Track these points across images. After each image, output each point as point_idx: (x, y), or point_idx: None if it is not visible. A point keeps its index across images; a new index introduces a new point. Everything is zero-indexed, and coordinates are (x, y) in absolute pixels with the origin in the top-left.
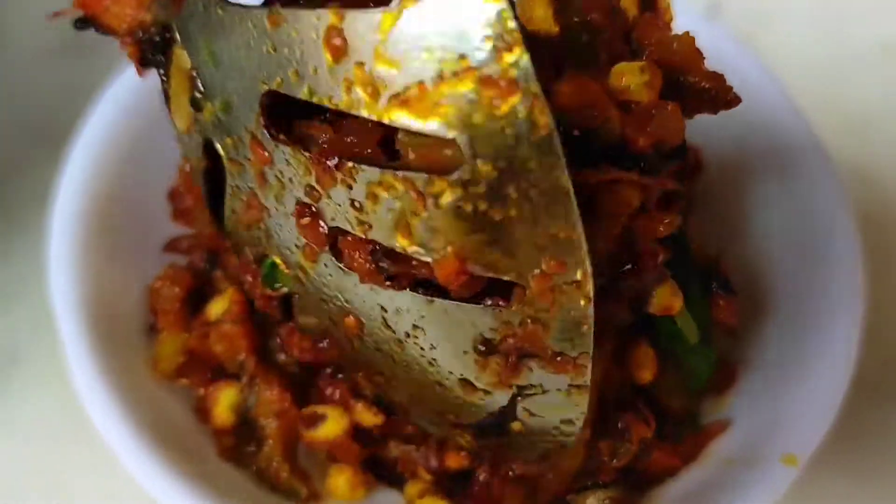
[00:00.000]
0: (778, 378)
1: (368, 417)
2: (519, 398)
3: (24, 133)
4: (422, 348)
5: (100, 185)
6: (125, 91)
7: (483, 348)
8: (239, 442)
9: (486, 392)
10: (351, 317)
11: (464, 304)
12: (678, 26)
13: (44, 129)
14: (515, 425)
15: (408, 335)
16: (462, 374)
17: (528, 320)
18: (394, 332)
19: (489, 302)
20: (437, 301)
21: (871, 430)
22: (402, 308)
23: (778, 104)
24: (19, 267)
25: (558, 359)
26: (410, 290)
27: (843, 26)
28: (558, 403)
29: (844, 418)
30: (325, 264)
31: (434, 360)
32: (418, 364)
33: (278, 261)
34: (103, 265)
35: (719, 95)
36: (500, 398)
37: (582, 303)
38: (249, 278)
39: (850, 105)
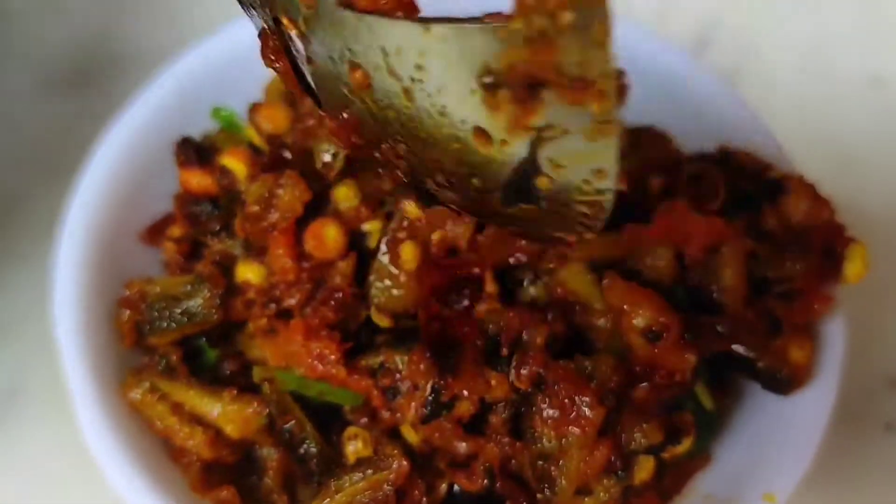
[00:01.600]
0: (759, 415)
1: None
2: (539, 145)
3: (26, 165)
4: (429, 94)
5: (105, 217)
6: (131, 124)
7: (489, 80)
8: (240, 474)
9: (504, 142)
10: (359, 70)
11: (462, 25)
12: (666, 61)
13: (46, 161)
14: (542, 182)
15: (412, 80)
16: (475, 122)
17: (534, 35)
18: (399, 78)
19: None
20: (434, 27)
21: (853, 460)
22: (402, 47)
23: (761, 142)
24: (20, 300)
25: (575, 85)
26: None
27: (831, 60)
28: (584, 149)
29: (826, 448)
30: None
31: (444, 107)
32: (430, 117)
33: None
34: (108, 299)
35: None
36: (520, 148)
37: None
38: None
39: (837, 138)
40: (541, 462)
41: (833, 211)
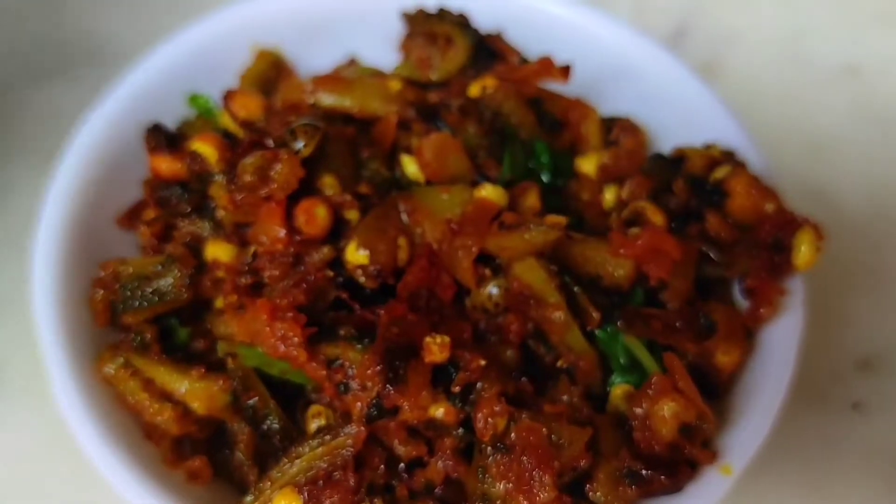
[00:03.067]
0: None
1: None
2: None
3: (6, 155)
4: None
5: (83, 202)
6: (108, 112)
7: None
8: (212, 448)
9: None
10: None
11: None
12: (638, 55)
13: (26, 150)
14: None
15: None
16: None
17: None
18: None
19: None
20: None
21: (821, 439)
22: None
23: (734, 134)
24: (5, 286)
25: None
26: None
27: (808, 49)
28: None
29: (790, 427)
30: None
31: None
32: None
33: None
34: (86, 281)
35: None
36: None
37: None
38: None
39: (812, 126)
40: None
41: (778, 201)
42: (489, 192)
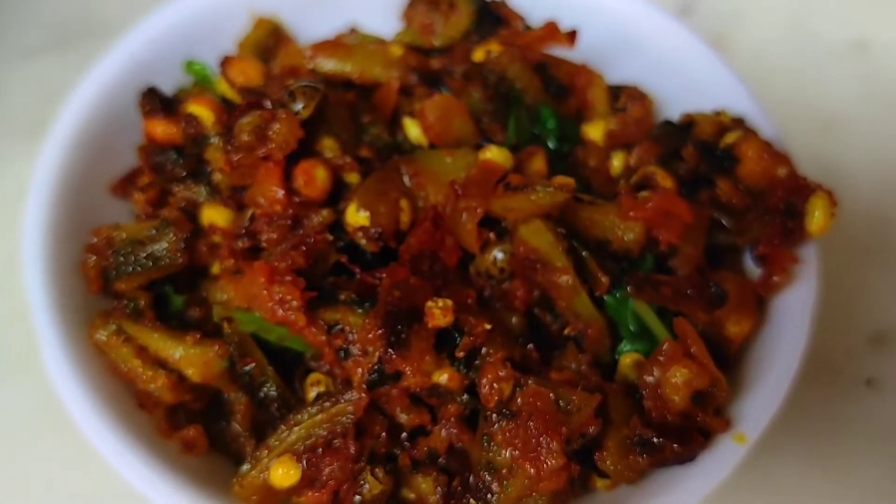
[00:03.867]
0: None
1: None
2: None
3: (8, 128)
4: None
5: (75, 170)
6: (95, 89)
7: None
8: (208, 419)
9: None
10: None
11: None
12: (646, 23)
13: (18, 125)
14: None
15: None
16: None
17: None
18: None
19: None
20: None
21: (834, 415)
22: None
23: (743, 102)
24: None
25: None
26: None
27: (816, 24)
28: None
29: (804, 403)
30: None
31: None
32: None
33: None
34: (79, 249)
35: None
36: None
37: None
38: None
39: (823, 102)
40: (485, 473)
41: (791, 166)
42: (494, 154)
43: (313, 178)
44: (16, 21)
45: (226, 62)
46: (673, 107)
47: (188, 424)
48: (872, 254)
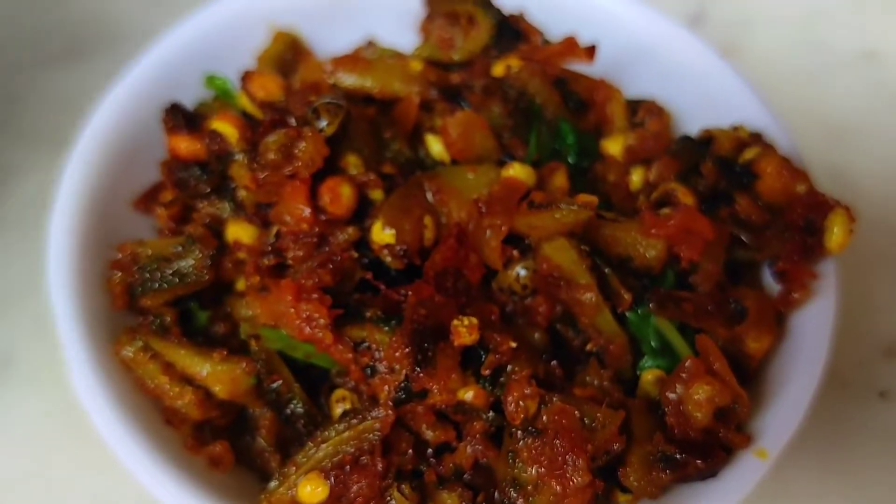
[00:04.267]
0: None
1: None
2: None
3: (16, 139)
4: None
5: (98, 184)
6: (117, 103)
7: None
8: (233, 435)
9: None
10: None
11: None
12: (661, 36)
13: (40, 134)
14: None
15: None
16: None
17: None
18: None
19: None
20: None
21: (848, 426)
22: None
23: (760, 115)
24: (13, 271)
25: None
26: None
27: (827, 34)
28: None
29: (817, 414)
30: None
31: None
32: None
33: None
34: (102, 264)
35: None
36: None
37: None
38: None
39: (833, 111)
40: (510, 489)
41: (809, 183)
42: (517, 171)
43: (339, 195)
44: (32, 31)
45: (246, 77)
46: (690, 119)
47: (214, 440)
48: (885, 263)
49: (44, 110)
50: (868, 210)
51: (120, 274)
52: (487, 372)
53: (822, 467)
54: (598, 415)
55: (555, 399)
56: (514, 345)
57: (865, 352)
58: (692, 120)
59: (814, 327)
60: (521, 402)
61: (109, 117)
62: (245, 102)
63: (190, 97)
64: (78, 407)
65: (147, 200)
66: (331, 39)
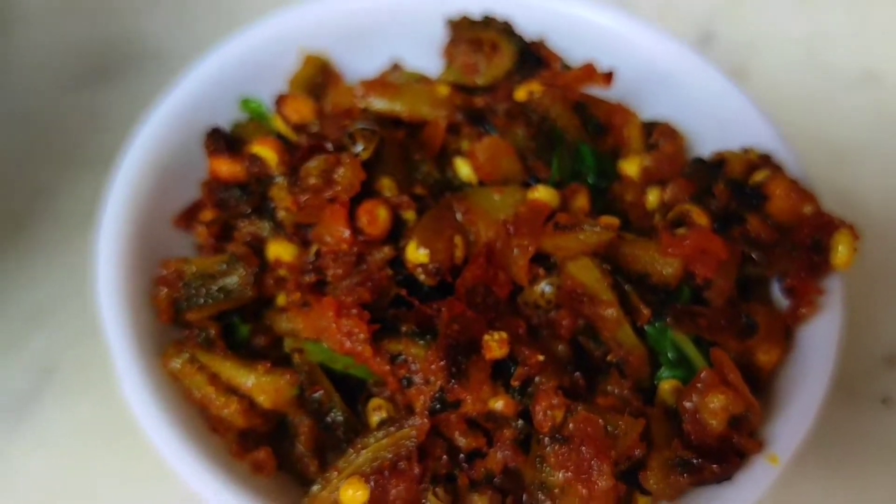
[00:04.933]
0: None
1: None
2: None
3: (54, 159)
4: None
5: (142, 203)
6: (165, 116)
7: None
8: (274, 441)
9: None
10: None
11: None
12: (675, 61)
13: (73, 155)
14: None
15: None
16: None
17: None
18: None
19: None
20: None
21: (851, 433)
22: None
23: (768, 138)
24: (52, 286)
25: None
26: None
27: (829, 55)
28: None
29: (823, 422)
30: None
31: None
32: None
33: None
34: (147, 279)
35: None
36: None
37: None
38: None
39: (838, 131)
40: (538, 492)
41: (816, 204)
42: (542, 194)
43: (376, 217)
44: (60, 52)
45: (280, 101)
46: (702, 141)
47: (257, 446)
48: (887, 276)
49: (75, 130)
50: (871, 226)
51: (166, 290)
52: (517, 383)
53: (827, 473)
54: (621, 423)
55: (580, 408)
56: (541, 358)
57: (869, 361)
58: (704, 142)
59: (820, 340)
60: (548, 412)
61: (151, 138)
62: (279, 125)
63: (225, 119)
64: (119, 417)
65: (187, 218)
66: (358, 63)
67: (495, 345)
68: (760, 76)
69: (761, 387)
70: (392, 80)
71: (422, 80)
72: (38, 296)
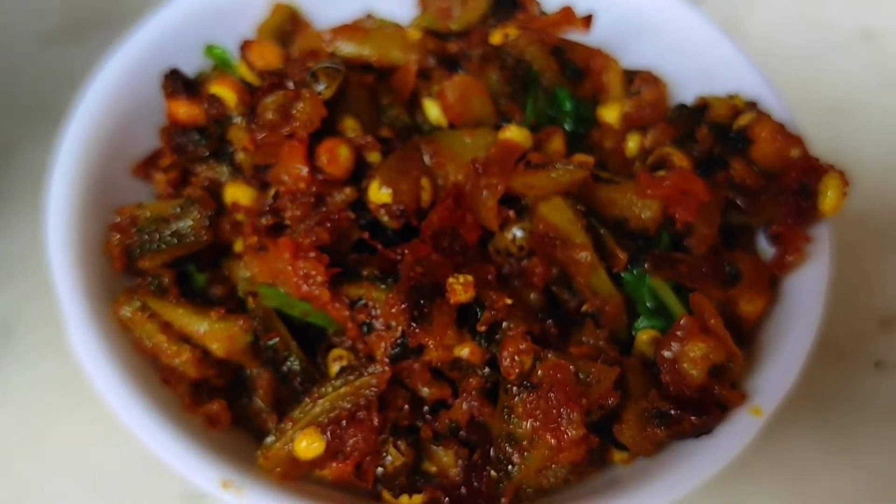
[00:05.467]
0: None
1: None
2: None
3: (22, 113)
4: None
5: (97, 150)
6: (115, 72)
7: None
8: (230, 396)
9: None
10: None
11: None
12: (658, 8)
13: (41, 109)
14: None
15: None
16: None
17: None
18: None
19: None
20: None
21: (844, 396)
22: None
23: (756, 86)
24: (14, 243)
25: None
26: None
27: (826, 13)
28: None
29: (814, 385)
30: None
31: None
32: None
33: None
34: (101, 229)
35: None
36: None
37: None
38: None
39: (831, 90)
40: (506, 444)
41: (804, 147)
42: (514, 134)
43: (336, 156)
44: (30, 9)
45: (245, 46)
46: (686, 91)
47: (211, 399)
48: (882, 238)
49: (43, 86)
50: (866, 186)
51: (118, 236)
52: (483, 328)
53: (817, 437)
54: (593, 370)
55: (549, 355)
56: (509, 302)
57: (862, 323)
58: (689, 91)
59: (808, 289)
60: (516, 358)
61: (107, 86)
62: (244, 71)
63: (189, 67)
64: (79, 375)
65: (146, 167)
66: (330, 12)
67: (460, 288)
68: (753, 32)
69: (745, 338)
70: (364, 26)
71: (394, 26)
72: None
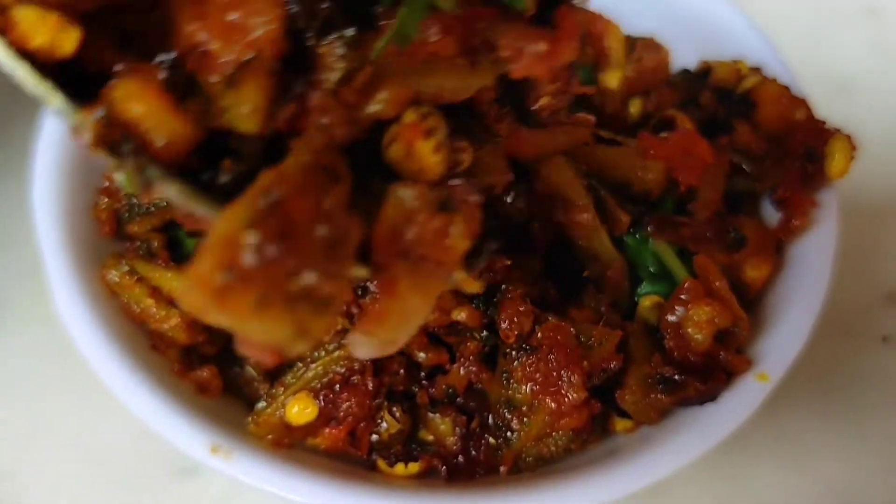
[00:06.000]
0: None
1: None
2: None
3: (7, 83)
4: None
5: None
6: None
7: None
8: (222, 366)
9: None
10: None
11: None
12: None
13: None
14: None
15: None
16: None
17: None
18: None
19: None
20: None
21: (850, 371)
22: None
23: (760, 53)
24: (5, 218)
25: None
26: None
27: None
28: None
29: (820, 359)
30: None
31: None
32: None
33: None
34: (89, 194)
35: None
36: None
37: None
38: None
39: (835, 64)
40: (505, 410)
41: (808, 109)
42: None
43: None
44: None
45: None
46: (689, 58)
47: (201, 365)
48: (887, 212)
49: None
50: (871, 161)
51: (107, 200)
52: (479, 273)
53: (824, 410)
54: (595, 332)
55: (549, 317)
56: (508, 262)
57: (868, 298)
58: (692, 58)
59: (815, 254)
60: (514, 320)
61: None
62: None
63: None
64: (71, 349)
65: None
66: None
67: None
68: (758, 8)
69: (750, 305)
70: None
71: None
72: None
